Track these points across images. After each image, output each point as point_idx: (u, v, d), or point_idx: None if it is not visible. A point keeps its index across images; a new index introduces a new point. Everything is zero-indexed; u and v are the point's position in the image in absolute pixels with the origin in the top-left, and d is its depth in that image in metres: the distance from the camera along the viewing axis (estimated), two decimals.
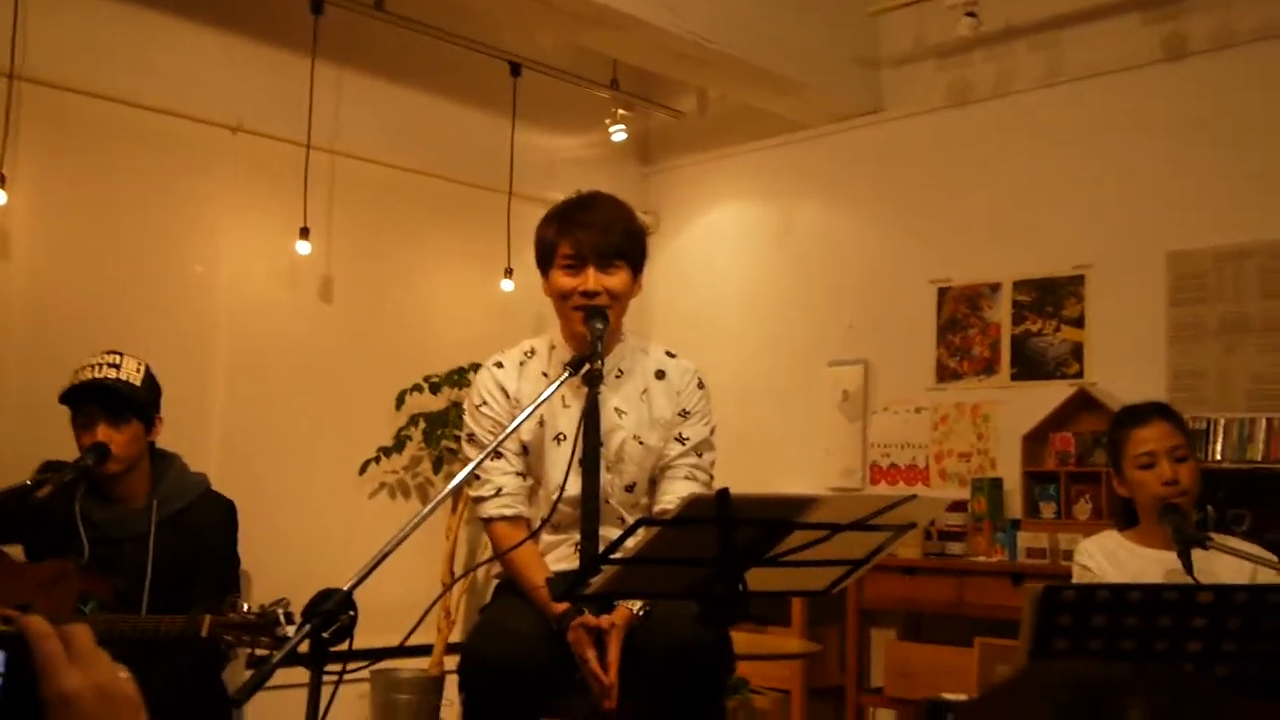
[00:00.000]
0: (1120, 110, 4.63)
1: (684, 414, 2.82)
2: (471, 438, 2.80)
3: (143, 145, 4.37)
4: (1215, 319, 4.33)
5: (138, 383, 2.96)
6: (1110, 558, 2.94)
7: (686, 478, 2.79)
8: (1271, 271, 4.23)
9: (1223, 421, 4.17)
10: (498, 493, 2.73)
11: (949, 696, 3.56)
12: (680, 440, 2.81)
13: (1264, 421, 4.12)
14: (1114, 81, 4.66)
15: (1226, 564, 2.84)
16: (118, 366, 2.95)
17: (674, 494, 2.74)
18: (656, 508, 2.78)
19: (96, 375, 2.92)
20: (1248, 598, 1.90)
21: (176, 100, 4.44)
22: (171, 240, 4.46)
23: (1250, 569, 2.82)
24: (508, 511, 2.73)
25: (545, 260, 2.78)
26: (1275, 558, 2.92)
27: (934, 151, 5.15)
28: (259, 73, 4.70)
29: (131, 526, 2.95)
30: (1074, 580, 3.01)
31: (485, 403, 2.79)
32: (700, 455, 2.83)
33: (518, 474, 2.76)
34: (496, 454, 2.71)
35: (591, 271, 2.69)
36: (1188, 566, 2.66)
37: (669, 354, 2.90)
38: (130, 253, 4.34)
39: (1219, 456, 4.16)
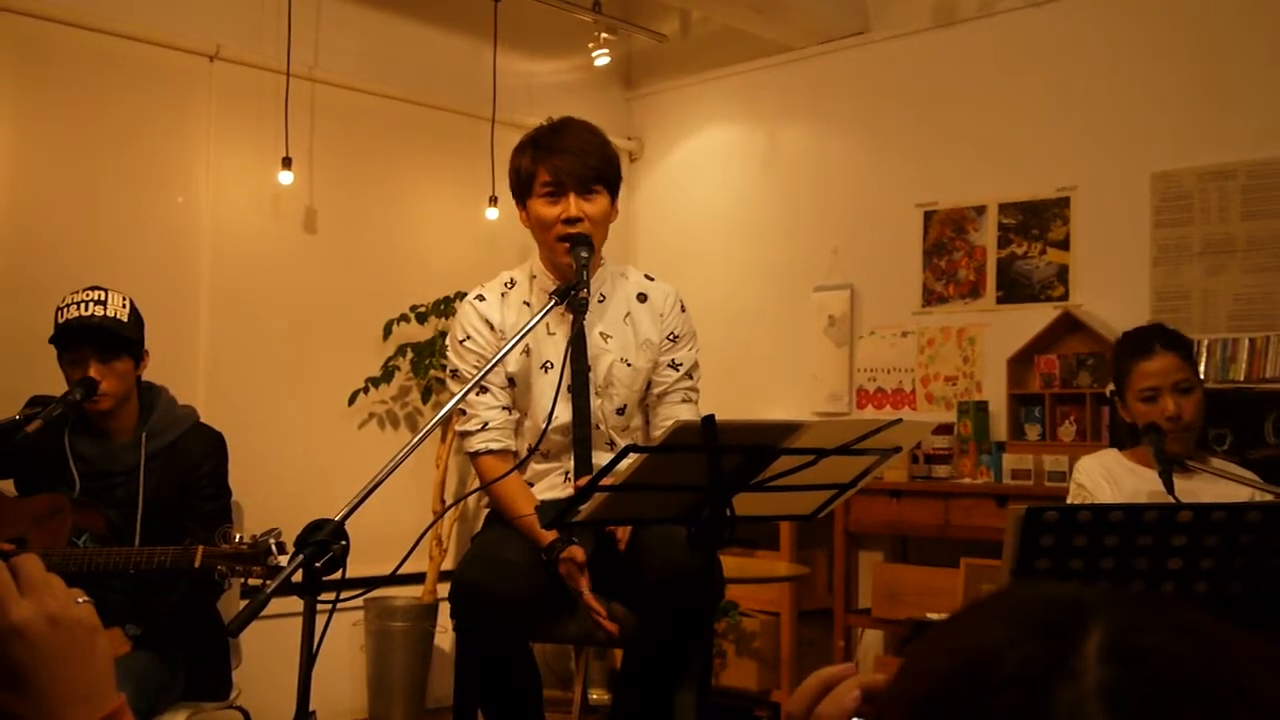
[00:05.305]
0: (1105, 30, 4.59)
1: (673, 338, 2.85)
2: (456, 374, 2.80)
3: (119, 74, 4.31)
4: (1199, 240, 4.33)
5: (125, 319, 2.94)
6: (1108, 476, 2.98)
7: (684, 401, 2.85)
8: (1255, 191, 4.23)
9: (1206, 342, 4.19)
10: (484, 427, 2.75)
11: (933, 616, 3.62)
12: (674, 366, 2.84)
13: (1246, 342, 4.15)
14: (1099, 1, 4.62)
15: (1225, 488, 2.88)
16: (104, 303, 2.91)
17: (675, 417, 2.77)
18: (656, 432, 2.81)
19: (83, 314, 2.88)
20: (1226, 516, 1.93)
21: (152, 28, 4.37)
22: (152, 171, 4.42)
23: (1248, 493, 2.87)
24: (494, 445, 2.75)
25: (522, 189, 2.76)
26: (1256, 477, 2.97)
27: (919, 73, 5.11)
28: None
29: (121, 460, 2.95)
30: (1070, 497, 3.06)
31: (469, 337, 2.78)
32: (692, 378, 2.88)
33: (503, 408, 2.77)
34: (482, 389, 2.72)
35: (572, 198, 2.69)
36: (1168, 486, 2.71)
37: (648, 277, 2.92)
38: (110, 184, 4.30)
39: (1202, 376, 4.18)
